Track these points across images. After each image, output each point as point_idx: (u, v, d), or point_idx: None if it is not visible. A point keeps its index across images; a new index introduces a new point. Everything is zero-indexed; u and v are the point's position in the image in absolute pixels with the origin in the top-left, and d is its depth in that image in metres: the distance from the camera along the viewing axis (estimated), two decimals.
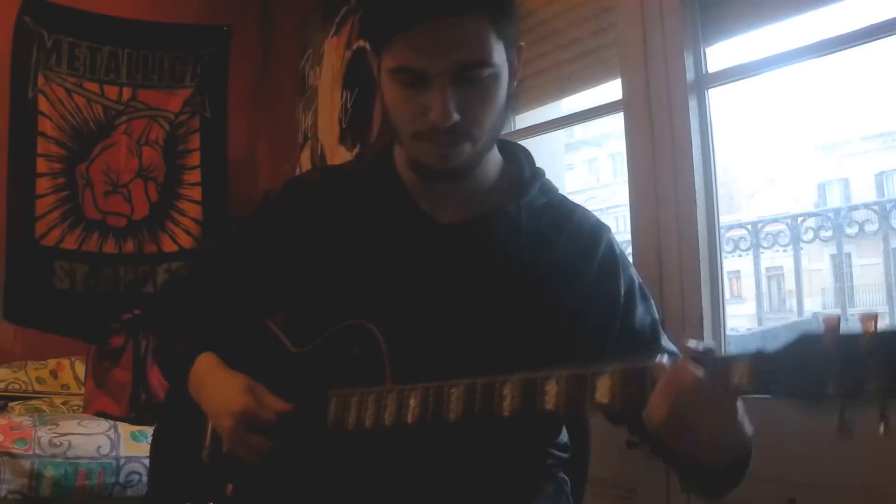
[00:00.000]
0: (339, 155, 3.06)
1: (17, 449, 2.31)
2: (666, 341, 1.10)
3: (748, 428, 0.84)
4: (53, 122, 3.45)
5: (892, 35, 1.54)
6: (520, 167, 1.14)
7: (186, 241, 3.63)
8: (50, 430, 2.42)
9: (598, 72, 2.10)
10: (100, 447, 2.44)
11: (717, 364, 0.75)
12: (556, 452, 1.13)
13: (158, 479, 1.23)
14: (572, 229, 1.10)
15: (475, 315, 1.02)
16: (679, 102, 1.81)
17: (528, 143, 1.91)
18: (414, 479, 0.97)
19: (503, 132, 1.11)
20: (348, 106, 2.96)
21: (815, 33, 1.64)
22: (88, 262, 3.48)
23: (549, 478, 1.11)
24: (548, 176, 1.15)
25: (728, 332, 1.84)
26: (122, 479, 2.43)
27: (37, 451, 2.34)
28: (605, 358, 1.01)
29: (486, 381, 0.87)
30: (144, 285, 3.55)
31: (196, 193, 3.68)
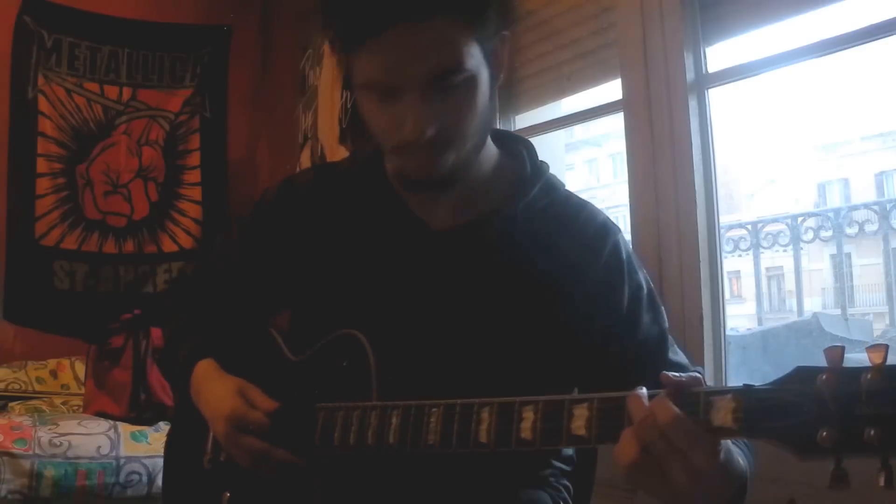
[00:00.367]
0: (339, 155, 3.06)
1: (17, 449, 2.31)
2: (675, 354, 1.02)
3: (740, 465, 0.75)
4: (53, 122, 3.45)
5: (892, 35, 1.53)
6: (521, 163, 1.08)
7: (186, 242, 3.63)
8: (50, 430, 2.42)
9: (598, 72, 2.10)
10: (100, 447, 2.44)
11: (697, 399, 0.66)
12: (558, 464, 1.10)
13: (168, 485, 1.23)
14: (576, 231, 1.04)
15: (467, 328, 0.99)
16: (679, 102, 1.81)
17: None
18: (407, 488, 0.97)
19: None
20: (348, 106, 2.95)
21: (815, 33, 1.64)
22: (88, 262, 3.48)
23: (547, 487, 1.09)
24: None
25: (728, 332, 1.84)
26: (122, 479, 2.43)
27: (37, 451, 2.34)
28: (608, 368, 0.99)
29: (465, 402, 0.83)
30: (144, 285, 3.55)
31: (196, 193, 3.68)
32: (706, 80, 1.82)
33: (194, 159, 3.69)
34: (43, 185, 3.42)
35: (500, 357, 0.98)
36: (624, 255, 1.04)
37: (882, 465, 0.57)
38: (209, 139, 3.71)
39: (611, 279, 1.02)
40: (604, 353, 1.00)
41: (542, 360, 0.98)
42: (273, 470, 0.98)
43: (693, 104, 1.80)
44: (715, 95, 1.84)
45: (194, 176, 3.68)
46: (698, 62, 1.82)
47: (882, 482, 0.57)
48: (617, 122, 1.99)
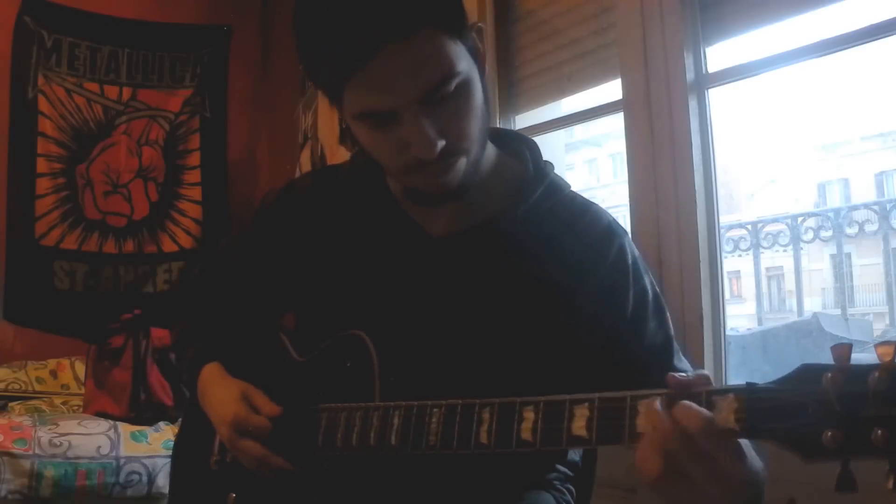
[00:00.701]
0: (339, 155, 3.06)
1: (17, 449, 2.31)
2: (679, 361, 1.01)
3: (759, 463, 0.72)
4: (53, 122, 3.45)
5: (892, 35, 1.53)
6: (523, 164, 1.05)
7: (186, 241, 3.63)
8: (50, 430, 2.43)
9: (598, 72, 2.10)
10: (100, 447, 2.44)
11: (699, 399, 0.65)
12: (562, 468, 1.10)
13: (175, 484, 1.23)
14: (580, 233, 1.01)
15: (469, 331, 0.99)
16: (679, 102, 1.81)
17: None
18: (411, 490, 0.97)
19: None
20: None
21: (815, 33, 1.64)
22: (88, 262, 3.48)
23: (551, 490, 1.08)
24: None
25: (728, 332, 1.84)
26: (121, 479, 2.43)
27: (37, 451, 2.34)
28: (611, 373, 0.97)
29: (466, 403, 0.82)
30: (144, 285, 3.56)
31: (196, 193, 3.68)
32: (706, 80, 1.82)
33: (194, 159, 3.69)
34: (43, 185, 3.43)
35: (503, 360, 0.97)
36: (630, 260, 1.02)
37: (890, 468, 0.55)
38: (209, 139, 3.72)
39: (616, 283, 1.00)
40: (607, 358, 0.98)
41: (544, 364, 0.98)
42: (273, 474, 0.98)
43: (693, 104, 1.80)
44: (715, 95, 1.84)
45: (194, 176, 3.69)
46: (698, 62, 1.82)
47: (890, 485, 0.55)
48: (617, 122, 1.99)
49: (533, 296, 0.99)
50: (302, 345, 1.10)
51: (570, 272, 0.99)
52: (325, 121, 3.23)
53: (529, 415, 0.76)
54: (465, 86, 0.89)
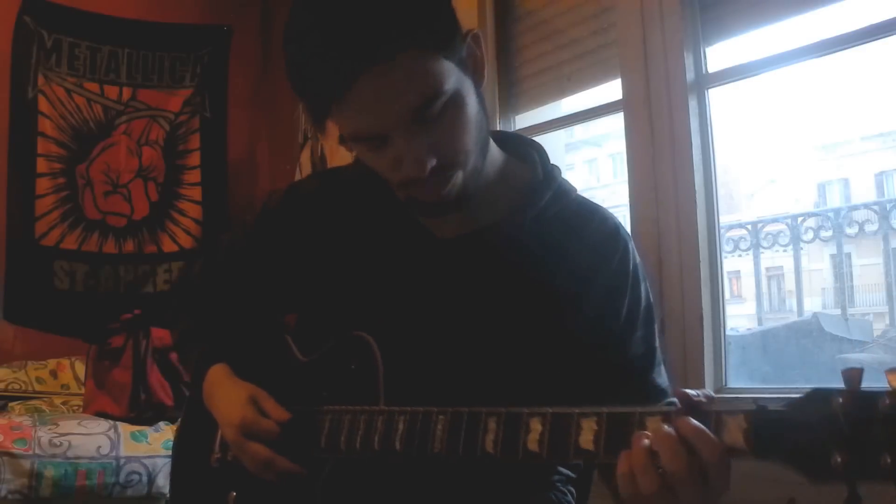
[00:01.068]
0: (340, 155, 3.05)
1: (17, 449, 2.31)
2: (658, 375, 1.02)
3: None
4: (53, 122, 3.45)
5: (892, 35, 1.54)
6: (531, 168, 1.06)
7: (186, 241, 3.63)
8: (50, 430, 2.42)
9: (598, 72, 2.11)
10: (100, 447, 2.44)
11: (708, 418, 0.65)
12: (564, 470, 1.10)
13: (176, 482, 1.23)
14: (586, 236, 1.02)
15: (473, 334, 0.99)
16: (679, 102, 1.81)
17: None
18: (413, 491, 0.97)
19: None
20: None
21: (815, 33, 1.65)
22: (88, 262, 3.48)
23: (553, 491, 1.09)
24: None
25: (728, 332, 1.84)
26: (122, 479, 2.43)
27: (37, 451, 2.34)
28: (591, 375, 0.97)
29: (472, 411, 0.82)
30: (144, 285, 3.56)
31: (196, 193, 3.68)
32: (706, 80, 1.82)
33: (194, 159, 3.69)
34: (43, 185, 3.42)
35: (506, 362, 0.97)
36: (631, 266, 1.03)
37: None
38: (209, 139, 3.71)
39: (616, 286, 1.01)
40: (591, 359, 0.99)
41: (548, 366, 0.98)
42: (276, 477, 0.98)
43: (693, 104, 1.80)
44: (715, 95, 1.84)
45: (194, 176, 3.69)
46: (698, 62, 1.82)
47: None
48: (617, 122, 2.00)
49: (539, 299, 0.99)
50: (306, 345, 1.10)
51: (576, 273, 1.00)
52: None
53: (536, 426, 0.76)
54: (455, 102, 0.89)
